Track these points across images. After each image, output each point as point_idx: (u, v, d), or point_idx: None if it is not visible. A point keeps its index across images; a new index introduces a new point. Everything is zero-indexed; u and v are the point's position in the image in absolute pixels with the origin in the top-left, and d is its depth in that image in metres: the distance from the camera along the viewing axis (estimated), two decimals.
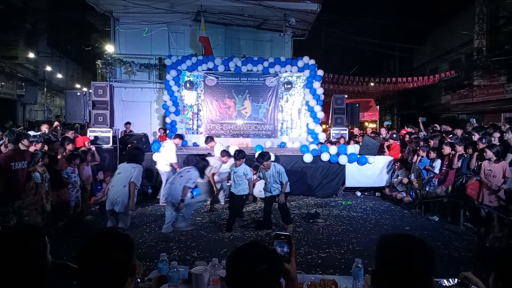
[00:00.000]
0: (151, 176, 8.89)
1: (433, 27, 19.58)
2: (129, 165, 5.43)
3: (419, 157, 7.65)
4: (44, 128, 7.76)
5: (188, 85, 12.01)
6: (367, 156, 8.86)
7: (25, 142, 5.22)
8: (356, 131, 12.10)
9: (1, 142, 5.59)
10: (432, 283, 1.29)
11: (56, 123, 8.57)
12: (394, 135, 9.83)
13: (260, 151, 6.04)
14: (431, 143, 7.70)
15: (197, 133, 12.04)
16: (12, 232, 1.45)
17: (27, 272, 1.33)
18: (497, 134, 6.53)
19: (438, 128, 9.83)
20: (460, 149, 6.76)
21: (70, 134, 7.96)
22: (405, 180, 8.19)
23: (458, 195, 6.63)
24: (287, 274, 1.42)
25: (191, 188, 6.14)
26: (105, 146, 8.97)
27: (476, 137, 6.77)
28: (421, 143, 7.86)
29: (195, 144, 11.64)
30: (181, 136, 8.52)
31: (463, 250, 5.41)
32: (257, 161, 6.24)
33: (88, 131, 9.14)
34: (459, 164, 6.75)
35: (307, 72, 11.70)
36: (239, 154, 6.24)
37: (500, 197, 5.81)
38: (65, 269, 1.82)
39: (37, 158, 5.61)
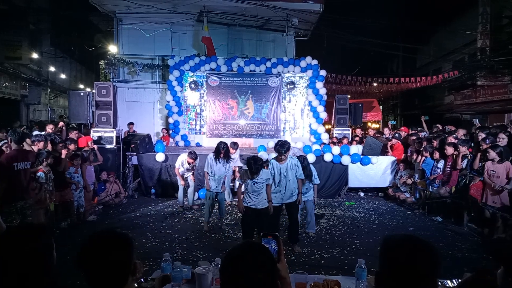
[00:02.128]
0: (152, 176, 8.89)
1: (437, 27, 19.50)
2: None
3: (423, 158, 7.62)
4: (49, 129, 7.78)
5: (191, 85, 12.03)
6: (370, 157, 8.85)
7: (29, 142, 5.24)
8: (358, 132, 12.04)
9: (5, 142, 5.60)
10: (436, 284, 1.28)
11: (61, 124, 8.58)
12: (397, 135, 9.79)
13: (279, 140, 5.03)
14: (435, 143, 7.66)
15: (200, 134, 12.06)
16: (19, 230, 1.46)
17: (33, 270, 1.34)
18: (502, 135, 6.46)
19: (441, 128, 9.77)
20: (463, 149, 6.72)
21: (73, 134, 7.99)
22: (409, 181, 8.16)
23: (461, 196, 6.60)
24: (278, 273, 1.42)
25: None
26: (108, 146, 9.01)
27: (482, 136, 6.68)
28: (425, 143, 7.82)
29: (198, 144, 11.66)
30: (236, 145, 8.26)
31: (466, 251, 5.39)
32: (277, 152, 5.09)
33: (91, 131, 9.18)
34: (464, 165, 6.72)
35: (309, 72, 11.69)
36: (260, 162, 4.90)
37: (504, 197, 5.78)
38: None
39: (41, 158, 5.63)
